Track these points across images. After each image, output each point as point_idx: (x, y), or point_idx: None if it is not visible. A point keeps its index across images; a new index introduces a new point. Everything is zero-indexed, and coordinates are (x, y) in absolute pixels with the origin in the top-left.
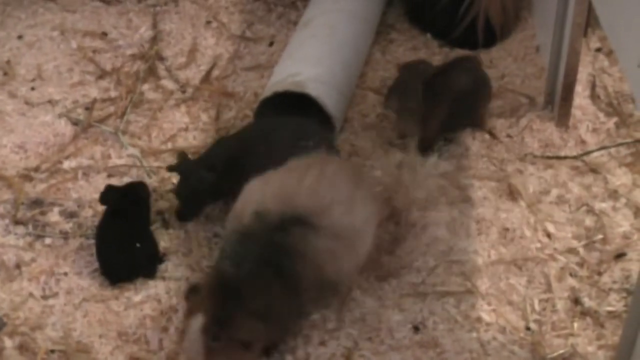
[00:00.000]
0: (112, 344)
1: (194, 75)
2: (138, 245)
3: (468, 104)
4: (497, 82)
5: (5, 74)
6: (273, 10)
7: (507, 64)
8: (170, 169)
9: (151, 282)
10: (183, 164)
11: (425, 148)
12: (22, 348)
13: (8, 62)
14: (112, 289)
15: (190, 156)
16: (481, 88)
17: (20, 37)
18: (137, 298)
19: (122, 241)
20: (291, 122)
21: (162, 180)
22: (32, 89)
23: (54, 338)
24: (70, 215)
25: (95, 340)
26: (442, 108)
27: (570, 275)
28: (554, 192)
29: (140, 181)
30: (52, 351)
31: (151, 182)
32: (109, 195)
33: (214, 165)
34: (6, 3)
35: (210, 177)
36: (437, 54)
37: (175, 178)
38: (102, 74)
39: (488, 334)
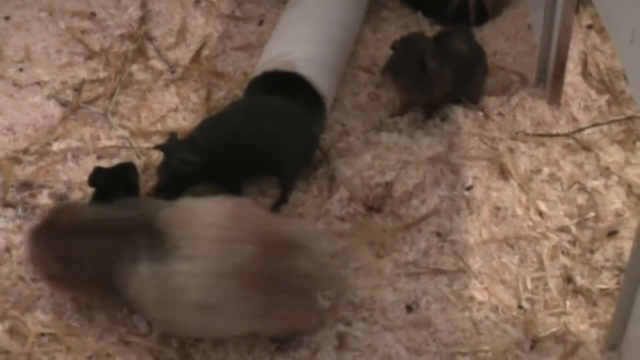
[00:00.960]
0: (101, 326)
1: (183, 55)
2: None
3: (468, 70)
4: (488, 60)
5: None
6: None
7: (498, 42)
8: (156, 147)
9: None
10: (169, 144)
11: (432, 113)
12: (12, 332)
13: None
14: None
15: (180, 137)
16: (479, 56)
17: (7, 18)
18: None
19: None
20: (275, 104)
21: (152, 161)
22: (20, 70)
23: (44, 321)
24: (59, 197)
25: (85, 323)
26: (446, 71)
27: (563, 253)
28: (546, 170)
29: (129, 162)
30: (43, 334)
31: (140, 163)
32: (97, 177)
33: (198, 148)
34: None
35: (193, 160)
36: (428, 32)
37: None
38: (90, 55)
39: (481, 313)
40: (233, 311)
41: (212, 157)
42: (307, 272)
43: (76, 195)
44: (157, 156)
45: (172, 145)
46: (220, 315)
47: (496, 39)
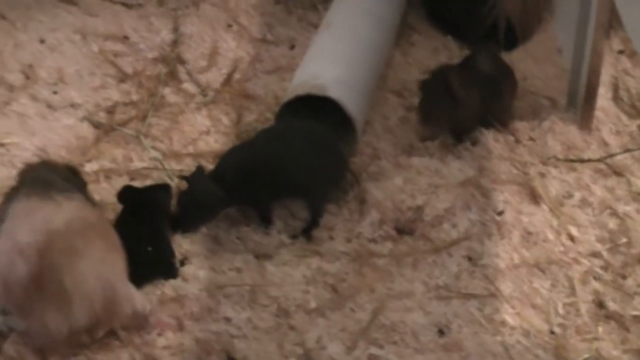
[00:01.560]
0: None
1: (215, 78)
2: (150, 249)
3: (496, 91)
4: (518, 84)
5: (27, 77)
6: (293, 13)
7: (528, 66)
8: (182, 177)
9: (172, 283)
10: (194, 174)
11: (461, 136)
12: None
13: (30, 65)
14: None
15: (211, 159)
16: (507, 75)
17: (42, 40)
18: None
19: (135, 243)
20: (305, 128)
21: (183, 184)
22: (54, 92)
23: None
24: None
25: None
26: (474, 94)
27: (594, 278)
28: (577, 195)
29: (164, 183)
30: None
31: (173, 184)
32: (127, 195)
33: (225, 178)
34: (28, 6)
35: (215, 192)
36: (457, 56)
37: None
38: (123, 77)
39: (512, 338)
40: None
41: (241, 181)
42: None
43: (109, 216)
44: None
45: (196, 176)
46: None
47: (526, 63)
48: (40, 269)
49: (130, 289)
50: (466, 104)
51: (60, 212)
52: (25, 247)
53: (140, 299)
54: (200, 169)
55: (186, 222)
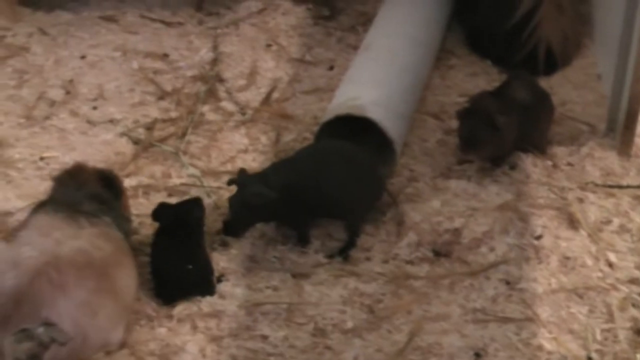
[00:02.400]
0: None
1: (253, 97)
2: (190, 267)
3: (533, 117)
4: (557, 110)
5: (67, 92)
6: (332, 34)
7: (567, 91)
8: (230, 182)
9: (209, 300)
10: (242, 178)
11: (499, 162)
12: None
13: (71, 81)
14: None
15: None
16: (543, 101)
17: (83, 57)
18: (199, 321)
19: (173, 261)
20: (343, 149)
21: (222, 201)
22: (94, 108)
23: None
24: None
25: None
26: (512, 120)
27: (633, 305)
28: (616, 221)
29: (196, 197)
30: None
31: (211, 202)
32: (161, 212)
33: (271, 185)
34: (70, 23)
35: (267, 193)
36: (496, 81)
37: None
38: (162, 95)
39: None
40: None
41: (282, 198)
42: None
43: (147, 231)
44: (228, 196)
45: (245, 179)
46: None
47: (565, 88)
48: (25, 290)
49: (108, 335)
50: (506, 130)
51: (74, 239)
52: (23, 262)
53: (116, 340)
54: (243, 170)
55: (237, 225)
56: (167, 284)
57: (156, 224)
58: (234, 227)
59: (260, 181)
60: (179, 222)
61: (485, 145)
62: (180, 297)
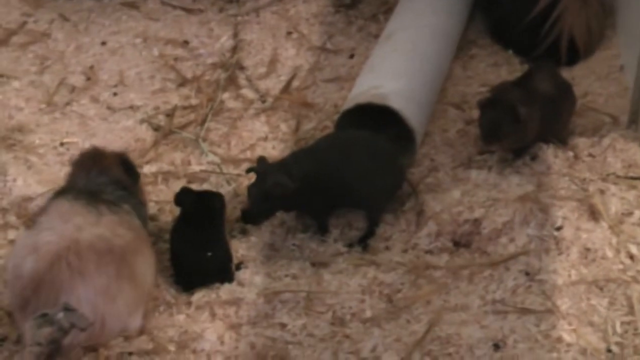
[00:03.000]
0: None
1: (274, 85)
2: (209, 254)
3: (555, 109)
4: (579, 101)
5: (88, 79)
6: (354, 23)
7: (590, 82)
8: (249, 170)
9: (228, 287)
10: (262, 166)
11: (520, 153)
12: None
13: (91, 67)
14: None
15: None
16: (566, 92)
17: (103, 43)
18: (218, 309)
19: (193, 248)
20: (364, 139)
21: (242, 189)
22: (114, 94)
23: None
24: (150, 218)
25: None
26: (534, 111)
27: None
28: (637, 213)
29: (218, 192)
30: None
31: (230, 189)
32: (183, 197)
33: (292, 175)
34: (91, 10)
35: (287, 183)
36: (518, 71)
37: None
38: (183, 82)
39: (568, 355)
40: None
41: (302, 187)
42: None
43: (166, 217)
44: (247, 184)
45: (265, 168)
46: None
47: (588, 79)
48: (43, 275)
49: (126, 321)
50: (530, 124)
51: (94, 226)
52: (43, 246)
53: (135, 326)
54: (263, 158)
55: (256, 214)
56: (186, 271)
57: (175, 211)
58: (253, 215)
59: (280, 170)
60: (201, 208)
61: (507, 137)
62: (199, 284)
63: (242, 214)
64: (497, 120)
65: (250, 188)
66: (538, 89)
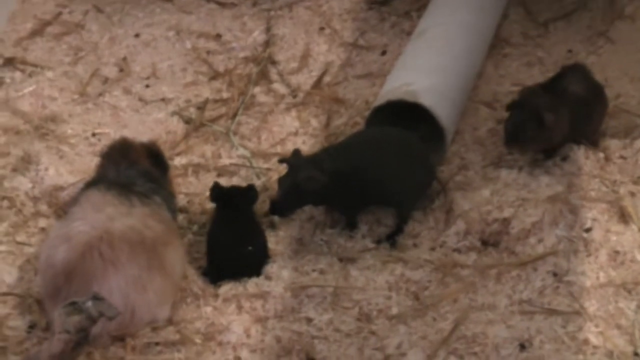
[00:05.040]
0: None
1: (305, 80)
2: (250, 248)
3: (586, 111)
4: (612, 102)
5: (121, 70)
6: (386, 20)
7: (623, 84)
8: (281, 160)
9: (255, 280)
10: (295, 158)
11: (551, 154)
12: None
13: (124, 59)
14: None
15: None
16: (597, 94)
17: (137, 35)
18: (245, 302)
19: (234, 241)
20: (395, 136)
21: (271, 183)
22: (147, 86)
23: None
24: (180, 210)
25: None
26: (564, 115)
27: None
28: None
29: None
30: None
31: (260, 183)
32: (219, 192)
33: (323, 170)
34: (125, 2)
35: (319, 177)
36: (550, 71)
37: None
38: (214, 75)
39: (594, 357)
40: None
41: (333, 183)
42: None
43: (196, 209)
44: (276, 178)
45: (298, 160)
46: None
47: (621, 81)
48: (75, 264)
49: (156, 312)
50: (557, 128)
51: (126, 216)
52: (75, 236)
53: (164, 317)
54: (298, 151)
55: (285, 206)
56: (223, 265)
57: (204, 204)
58: (281, 207)
59: (313, 165)
60: (238, 202)
61: (530, 142)
62: (230, 277)
63: (271, 204)
64: (521, 124)
65: (281, 179)
66: (569, 90)
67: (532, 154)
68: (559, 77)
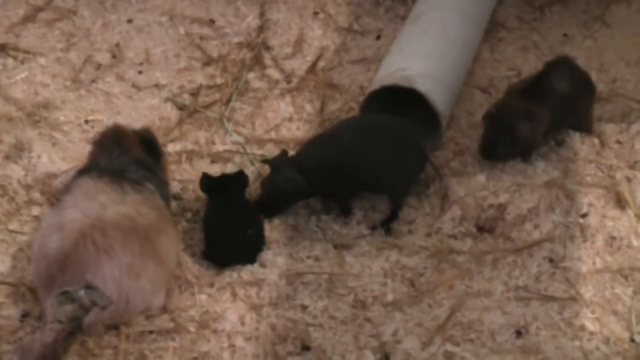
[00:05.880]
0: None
1: (299, 65)
2: (250, 232)
3: (570, 107)
4: (607, 87)
5: (114, 56)
6: (381, 4)
7: (619, 68)
8: (264, 161)
9: (250, 268)
10: (278, 160)
11: (529, 157)
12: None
13: (117, 45)
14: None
15: (292, 146)
16: (583, 86)
17: (130, 21)
18: (239, 289)
19: (235, 227)
20: (387, 122)
21: (265, 169)
22: (140, 72)
23: None
24: (174, 197)
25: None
26: (543, 118)
27: None
28: None
29: (240, 171)
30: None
31: (254, 169)
32: (211, 182)
33: (306, 168)
34: None
35: (298, 180)
36: (546, 55)
37: None
38: (208, 61)
39: (591, 343)
40: None
41: (322, 173)
42: None
43: (190, 196)
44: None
45: (280, 162)
46: None
47: (617, 65)
48: (69, 253)
49: (150, 299)
50: (530, 137)
51: (119, 204)
52: (68, 224)
53: (158, 304)
54: (284, 153)
55: (270, 206)
56: (223, 250)
57: (198, 190)
58: (266, 208)
59: (292, 166)
60: (231, 189)
61: (503, 156)
62: (234, 262)
63: (257, 205)
64: (494, 139)
65: (264, 181)
66: (553, 89)
67: None
68: (543, 76)
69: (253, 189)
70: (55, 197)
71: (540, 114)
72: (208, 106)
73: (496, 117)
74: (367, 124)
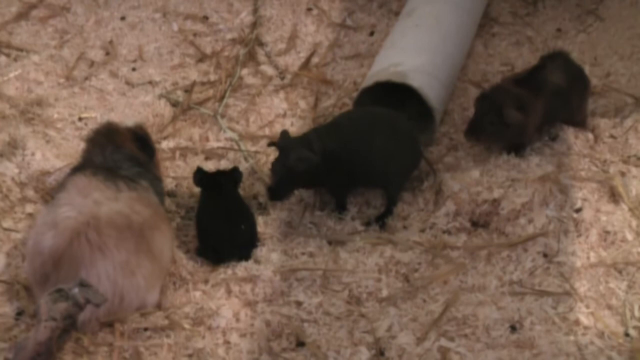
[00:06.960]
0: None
1: (293, 61)
2: (243, 227)
3: (564, 100)
4: (601, 81)
5: (107, 53)
6: (374, 0)
7: (612, 62)
8: (270, 144)
9: (244, 264)
10: (285, 141)
11: (522, 152)
12: None
13: (110, 42)
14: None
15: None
16: (578, 80)
17: (123, 18)
18: (234, 286)
19: (228, 223)
20: (383, 117)
21: (260, 165)
22: (133, 69)
23: None
24: (168, 193)
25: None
26: (536, 109)
27: None
28: None
29: (234, 167)
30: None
31: (248, 166)
32: (205, 177)
33: (313, 149)
34: None
35: (311, 157)
36: (539, 50)
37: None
38: (202, 57)
39: (585, 338)
40: None
41: (324, 163)
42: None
43: (183, 193)
44: (265, 160)
45: (287, 143)
46: None
47: (610, 59)
48: (63, 250)
49: (145, 296)
50: (519, 124)
51: (113, 201)
52: (62, 222)
53: (153, 301)
54: (285, 132)
55: (281, 189)
56: (217, 245)
57: (192, 187)
58: (278, 192)
59: (303, 145)
60: (225, 185)
61: (488, 137)
62: (228, 257)
63: (268, 191)
64: (482, 118)
65: (274, 165)
66: (548, 82)
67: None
68: (538, 69)
69: (247, 185)
70: (49, 195)
71: (533, 103)
72: (202, 103)
73: (487, 96)
74: (365, 118)
